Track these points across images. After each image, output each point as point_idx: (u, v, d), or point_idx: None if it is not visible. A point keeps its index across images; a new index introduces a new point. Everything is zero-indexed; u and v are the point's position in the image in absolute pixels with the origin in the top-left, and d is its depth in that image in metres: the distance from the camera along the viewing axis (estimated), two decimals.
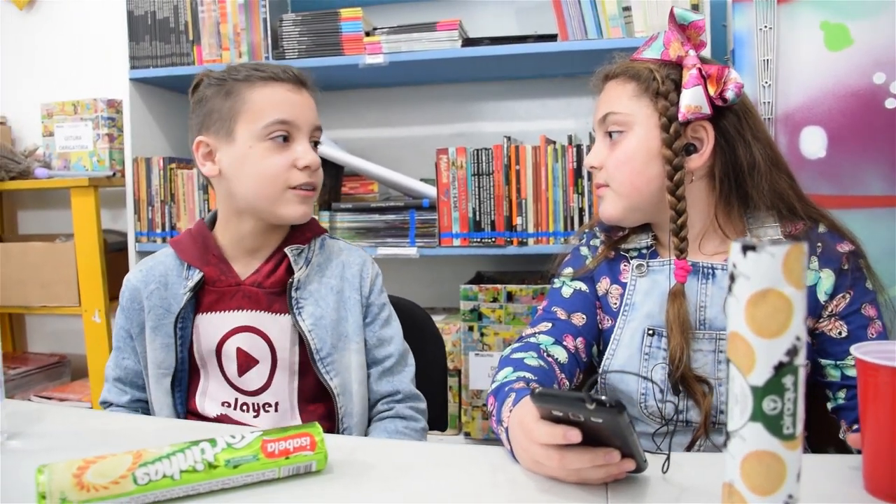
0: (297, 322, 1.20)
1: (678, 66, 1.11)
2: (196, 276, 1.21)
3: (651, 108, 1.11)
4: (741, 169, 1.11)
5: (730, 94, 1.07)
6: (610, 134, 1.14)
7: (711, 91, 1.08)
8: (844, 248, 1.11)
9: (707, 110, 1.08)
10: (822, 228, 1.13)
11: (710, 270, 1.13)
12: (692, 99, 1.07)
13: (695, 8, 1.87)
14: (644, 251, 1.20)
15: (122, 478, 0.77)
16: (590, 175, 1.98)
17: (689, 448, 1.10)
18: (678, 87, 1.09)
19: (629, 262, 1.20)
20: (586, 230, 1.32)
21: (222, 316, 1.22)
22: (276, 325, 1.21)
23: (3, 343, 2.86)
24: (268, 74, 1.20)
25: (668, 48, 1.12)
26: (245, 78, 1.20)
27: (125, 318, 1.26)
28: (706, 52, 1.14)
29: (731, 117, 1.11)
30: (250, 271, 1.23)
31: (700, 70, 1.07)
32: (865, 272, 1.12)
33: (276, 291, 1.22)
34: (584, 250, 1.27)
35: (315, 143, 1.24)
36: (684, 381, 1.09)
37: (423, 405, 1.30)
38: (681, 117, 1.08)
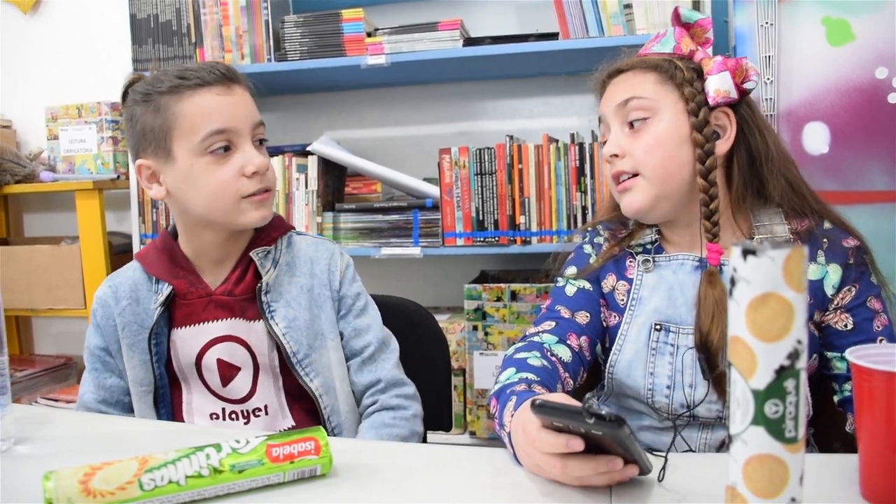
0: (270, 327, 1.18)
1: (690, 58, 1.13)
2: (165, 290, 1.19)
3: (676, 94, 1.11)
4: (758, 157, 1.12)
5: (751, 84, 1.11)
6: (631, 123, 1.13)
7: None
8: (850, 243, 1.12)
9: (735, 94, 1.09)
10: (827, 224, 1.14)
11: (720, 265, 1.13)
12: (720, 83, 1.08)
13: (696, 4, 1.86)
14: (649, 247, 1.20)
15: (129, 484, 0.77)
16: (592, 172, 1.98)
17: (719, 448, 1.11)
18: (700, 75, 1.11)
19: (635, 258, 1.20)
20: (588, 228, 1.31)
21: (197, 328, 1.19)
22: (253, 332, 1.20)
23: (10, 345, 2.87)
24: (193, 82, 1.13)
25: (679, 43, 1.14)
26: (170, 90, 1.13)
27: (101, 336, 1.22)
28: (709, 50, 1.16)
29: (745, 107, 1.13)
30: (220, 280, 1.21)
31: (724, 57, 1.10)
32: (870, 267, 1.12)
33: (248, 297, 1.20)
34: (588, 248, 1.27)
35: (260, 141, 1.19)
36: (718, 372, 1.08)
37: (411, 389, 1.26)
38: (711, 101, 1.09)
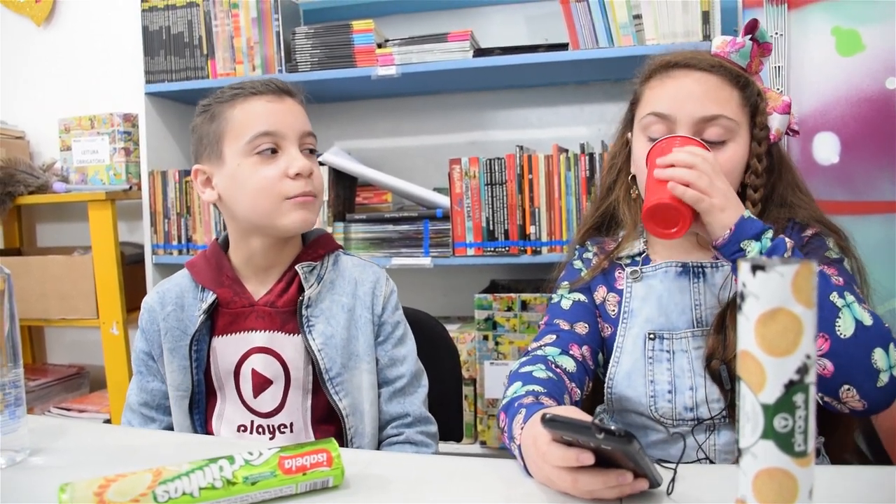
0: (307, 341, 1.19)
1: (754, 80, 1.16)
2: (210, 297, 1.21)
3: (748, 122, 1.13)
4: (765, 198, 1.15)
5: (797, 127, 1.16)
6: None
7: None
8: (808, 232, 1.14)
9: (783, 137, 1.15)
10: (798, 217, 1.16)
11: (700, 269, 1.16)
12: (781, 124, 1.14)
13: (705, 15, 1.87)
14: (637, 258, 1.22)
15: (143, 496, 0.78)
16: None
17: (726, 453, 1.11)
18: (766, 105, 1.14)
19: (623, 270, 1.22)
20: (577, 245, 1.33)
21: (238, 337, 1.21)
22: (290, 345, 1.21)
23: (23, 355, 2.88)
24: (247, 91, 1.20)
25: (752, 61, 1.15)
26: (227, 99, 1.20)
27: (145, 340, 1.26)
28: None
29: (776, 148, 1.17)
30: (264, 291, 1.23)
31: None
32: (830, 247, 1.12)
33: (290, 311, 1.21)
34: (578, 264, 1.29)
35: (310, 150, 1.23)
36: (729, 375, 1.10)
37: (434, 429, 1.27)
38: (772, 138, 1.13)
